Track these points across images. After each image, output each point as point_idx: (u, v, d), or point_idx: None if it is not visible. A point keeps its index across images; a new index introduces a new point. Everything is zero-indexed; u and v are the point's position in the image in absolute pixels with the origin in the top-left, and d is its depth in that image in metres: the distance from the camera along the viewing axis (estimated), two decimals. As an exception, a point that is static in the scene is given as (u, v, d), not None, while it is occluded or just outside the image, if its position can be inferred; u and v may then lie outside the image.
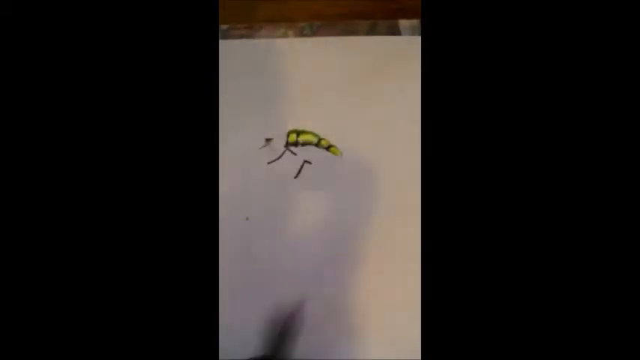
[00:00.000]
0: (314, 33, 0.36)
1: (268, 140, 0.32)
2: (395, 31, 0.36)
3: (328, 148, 0.32)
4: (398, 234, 0.29)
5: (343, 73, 0.35)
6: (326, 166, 0.31)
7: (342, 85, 0.34)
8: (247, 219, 0.28)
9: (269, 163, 0.32)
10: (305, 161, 0.32)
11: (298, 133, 0.32)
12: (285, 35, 0.36)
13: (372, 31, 0.36)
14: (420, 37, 0.36)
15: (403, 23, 0.36)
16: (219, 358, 0.26)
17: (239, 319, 0.28)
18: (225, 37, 0.36)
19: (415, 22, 0.36)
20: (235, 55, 0.35)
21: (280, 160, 0.32)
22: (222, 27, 0.37)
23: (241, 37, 0.36)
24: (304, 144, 0.32)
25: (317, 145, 0.32)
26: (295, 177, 0.31)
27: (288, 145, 0.32)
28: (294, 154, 0.32)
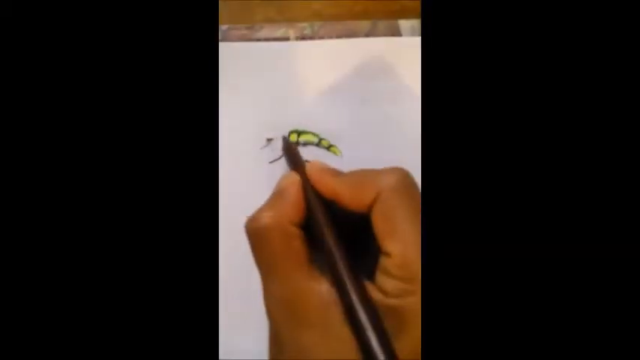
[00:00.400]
0: (314, 33, 0.36)
1: (269, 140, 0.32)
2: (395, 32, 0.36)
3: (328, 148, 0.32)
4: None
5: (343, 73, 0.35)
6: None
7: (342, 85, 0.34)
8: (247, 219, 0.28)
9: (270, 162, 0.32)
10: (305, 161, 0.32)
11: (299, 133, 0.32)
12: (285, 35, 0.36)
13: (372, 32, 0.36)
14: (420, 37, 0.36)
15: (403, 23, 0.36)
16: (220, 357, 0.26)
17: (239, 318, 0.28)
18: (225, 37, 0.36)
19: (415, 22, 0.36)
20: (236, 56, 0.35)
21: (281, 159, 0.32)
22: (222, 27, 0.37)
23: (241, 37, 0.36)
24: (305, 144, 0.32)
25: (317, 145, 0.32)
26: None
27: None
28: (296, 151, 0.32)
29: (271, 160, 0.32)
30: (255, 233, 0.19)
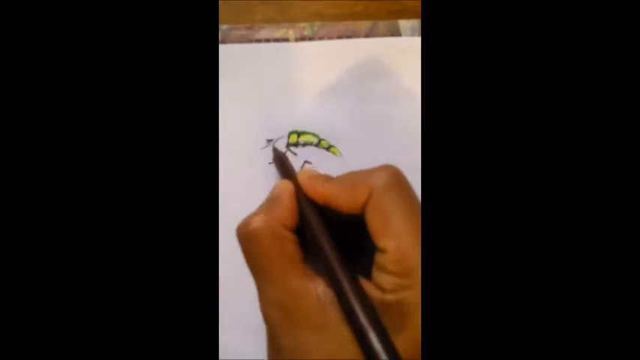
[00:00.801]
0: (314, 33, 0.36)
1: (269, 141, 0.32)
2: (395, 32, 0.36)
3: (328, 148, 0.32)
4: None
5: (343, 73, 0.35)
6: (326, 166, 0.31)
7: (342, 85, 0.34)
8: None
9: (270, 163, 0.32)
10: (305, 161, 0.32)
11: (299, 133, 0.32)
12: (285, 35, 0.36)
13: (372, 32, 0.36)
14: (420, 38, 0.36)
15: (403, 24, 0.36)
16: (219, 357, 0.26)
17: (239, 318, 0.28)
18: (226, 37, 0.36)
19: (415, 22, 0.36)
20: (236, 56, 0.35)
21: (274, 162, 0.32)
22: (223, 27, 0.37)
23: (241, 37, 0.36)
24: (305, 144, 0.32)
25: (317, 145, 0.32)
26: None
27: (289, 145, 0.32)
28: (295, 154, 0.32)
29: (271, 160, 0.32)
30: (247, 237, 0.19)
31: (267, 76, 0.34)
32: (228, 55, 0.35)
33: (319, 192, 0.20)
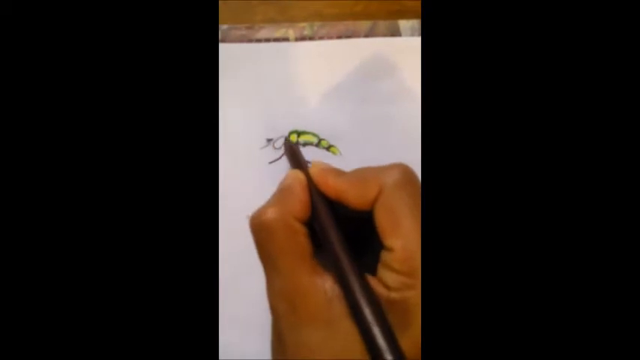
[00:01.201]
0: (314, 33, 0.36)
1: (269, 140, 0.32)
2: (395, 32, 0.36)
3: (328, 148, 0.32)
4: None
5: (343, 73, 0.35)
6: (326, 166, 0.31)
7: (342, 85, 0.34)
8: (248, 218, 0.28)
9: (270, 163, 0.32)
10: (307, 162, 0.32)
11: (299, 133, 0.32)
12: (285, 35, 0.36)
13: (372, 32, 0.36)
14: (420, 37, 0.36)
15: (403, 24, 0.36)
16: (219, 357, 0.26)
17: (239, 318, 0.28)
18: (226, 37, 0.36)
19: (415, 22, 0.36)
20: (236, 56, 0.35)
21: (281, 160, 0.32)
22: (223, 27, 0.37)
23: (241, 37, 0.36)
24: (305, 144, 0.32)
25: (317, 145, 0.32)
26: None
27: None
28: (298, 151, 0.32)
29: (271, 160, 0.32)
30: (260, 228, 0.19)
31: (267, 76, 0.34)
32: (228, 54, 0.35)
33: (331, 186, 0.20)
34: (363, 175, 0.20)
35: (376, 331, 0.16)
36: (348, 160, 0.32)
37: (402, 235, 0.18)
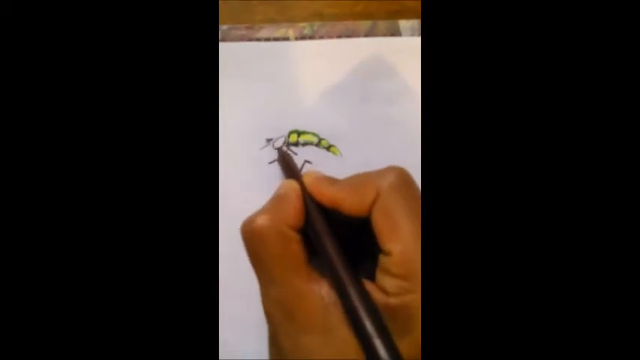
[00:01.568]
0: (314, 33, 0.36)
1: (269, 140, 0.32)
2: (395, 32, 0.36)
3: (328, 148, 0.32)
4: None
5: (343, 73, 0.35)
6: (326, 166, 0.31)
7: (342, 85, 0.34)
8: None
9: (270, 163, 0.32)
10: (305, 161, 0.32)
11: (299, 133, 0.32)
12: (285, 35, 0.36)
13: (372, 32, 0.36)
14: (420, 37, 0.36)
15: (403, 24, 0.36)
16: (219, 357, 0.26)
17: (239, 319, 0.28)
18: (226, 37, 0.36)
19: (415, 22, 0.36)
20: (236, 56, 0.35)
21: (278, 162, 0.32)
22: (223, 27, 0.37)
23: (241, 37, 0.36)
24: (305, 144, 0.32)
25: (317, 145, 0.32)
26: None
27: (289, 145, 0.32)
28: (295, 154, 0.32)
29: (271, 160, 0.32)
30: (252, 236, 0.19)
31: (267, 76, 0.34)
32: (229, 54, 0.35)
33: (325, 195, 0.20)
34: (358, 181, 0.20)
35: (374, 338, 0.16)
36: (347, 160, 0.32)
37: (400, 239, 0.18)
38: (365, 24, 0.37)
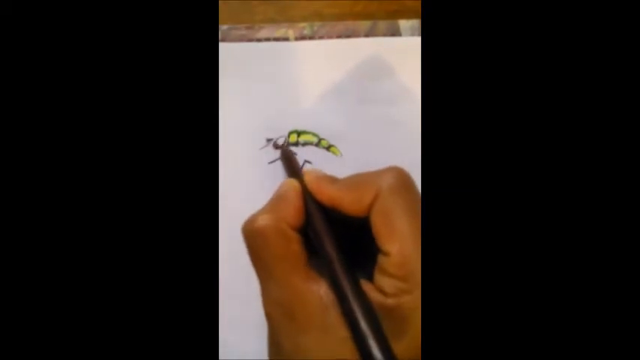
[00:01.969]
0: (314, 33, 0.36)
1: (269, 140, 0.32)
2: (395, 32, 0.36)
3: (328, 148, 0.32)
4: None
5: (343, 73, 0.35)
6: (326, 166, 0.31)
7: (342, 85, 0.34)
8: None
9: (270, 162, 0.32)
10: (305, 161, 0.32)
11: (299, 133, 0.32)
12: (285, 35, 0.36)
13: (372, 32, 0.36)
14: (420, 37, 0.36)
15: (403, 24, 0.36)
16: (219, 357, 0.26)
17: (239, 319, 0.28)
18: (226, 37, 0.36)
19: (415, 22, 0.36)
20: (236, 56, 0.35)
21: (281, 159, 0.32)
22: (223, 27, 0.37)
23: (241, 37, 0.36)
24: (304, 144, 0.32)
25: (317, 145, 0.32)
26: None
27: (288, 145, 0.32)
28: (295, 154, 0.32)
29: (271, 160, 0.32)
30: (253, 235, 0.19)
31: (267, 76, 0.34)
32: (228, 54, 0.35)
33: (325, 194, 0.20)
34: (357, 181, 0.20)
35: (370, 339, 0.16)
36: (347, 160, 0.32)
37: (399, 239, 0.18)
38: (365, 24, 0.37)
